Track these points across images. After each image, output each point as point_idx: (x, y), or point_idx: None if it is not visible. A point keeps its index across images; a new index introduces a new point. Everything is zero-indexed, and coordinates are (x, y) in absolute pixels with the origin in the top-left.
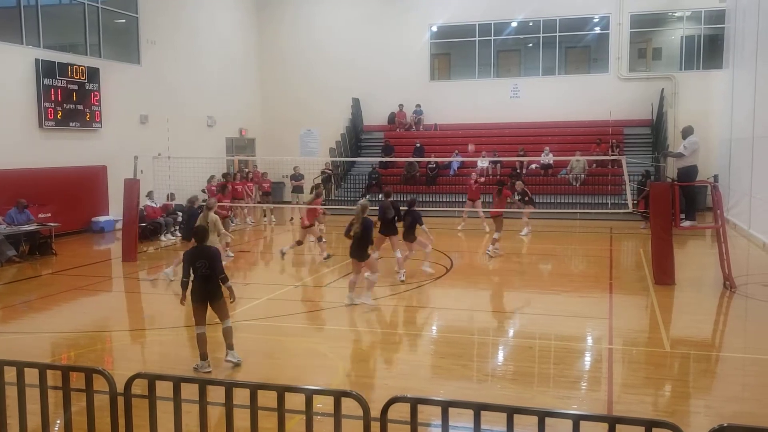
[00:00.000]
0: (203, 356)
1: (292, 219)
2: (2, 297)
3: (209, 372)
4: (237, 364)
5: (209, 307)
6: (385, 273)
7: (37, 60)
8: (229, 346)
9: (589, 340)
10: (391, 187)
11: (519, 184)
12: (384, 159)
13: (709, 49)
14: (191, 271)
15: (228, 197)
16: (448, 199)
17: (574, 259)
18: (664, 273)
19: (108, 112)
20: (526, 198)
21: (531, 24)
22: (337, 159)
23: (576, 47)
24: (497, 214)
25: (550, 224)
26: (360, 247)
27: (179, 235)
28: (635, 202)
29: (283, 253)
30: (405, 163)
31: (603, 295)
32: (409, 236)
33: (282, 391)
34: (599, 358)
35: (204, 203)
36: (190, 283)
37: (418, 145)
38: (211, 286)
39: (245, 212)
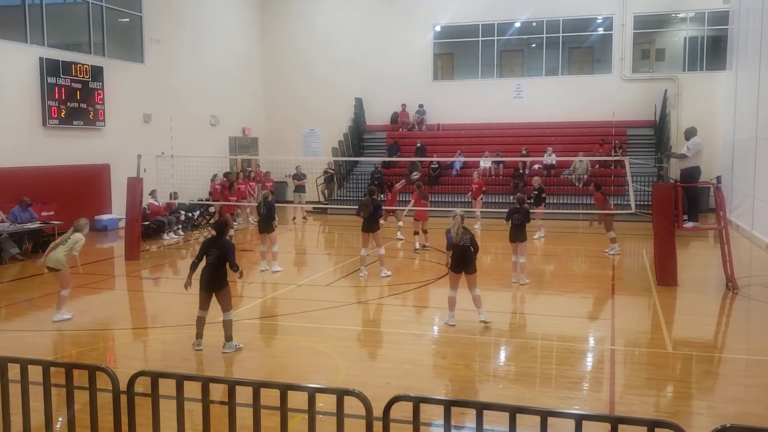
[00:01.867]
0: (198, 335)
1: (294, 218)
2: (5, 294)
3: (201, 350)
4: (238, 349)
5: (214, 296)
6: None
7: (41, 58)
8: (227, 338)
9: (592, 341)
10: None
11: (537, 180)
12: (386, 159)
13: (712, 51)
14: (204, 257)
15: (235, 195)
16: (450, 199)
17: (576, 260)
18: (666, 274)
19: (111, 111)
20: (543, 195)
21: (534, 24)
22: (340, 159)
23: (579, 48)
24: (608, 214)
25: (553, 225)
26: (471, 260)
27: (182, 234)
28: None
29: (417, 249)
30: (408, 162)
31: (605, 295)
32: (521, 236)
33: (285, 389)
34: (601, 359)
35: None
36: (200, 270)
37: (418, 145)
38: (215, 275)
39: (248, 211)
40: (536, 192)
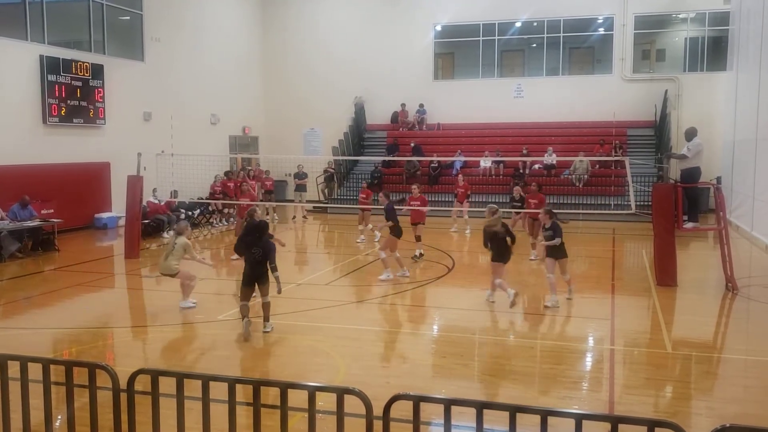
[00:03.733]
0: (244, 317)
1: (294, 217)
2: (5, 293)
3: (250, 323)
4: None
5: (257, 287)
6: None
7: (41, 56)
8: (266, 318)
9: (591, 341)
10: (394, 186)
11: (517, 190)
12: (386, 158)
13: (713, 51)
14: (247, 254)
15: (247, 196)
16: (450, 199)
17: (576, 260)
18: (666, 274)
19: (112, 109)
20: (524, 205)
21: (535, 24)
22: (340, 158)
23: (580, 48)
24: (535, 216)
25: None
26: (507, 248)
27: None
28: None
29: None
30: (405, 162)
31: (605, 296)
32: (559, 253)
33: (285, 388)
34: (601, 359)
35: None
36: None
37: (412, 144)
38: (259, 271)
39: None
40: (518, 203)
